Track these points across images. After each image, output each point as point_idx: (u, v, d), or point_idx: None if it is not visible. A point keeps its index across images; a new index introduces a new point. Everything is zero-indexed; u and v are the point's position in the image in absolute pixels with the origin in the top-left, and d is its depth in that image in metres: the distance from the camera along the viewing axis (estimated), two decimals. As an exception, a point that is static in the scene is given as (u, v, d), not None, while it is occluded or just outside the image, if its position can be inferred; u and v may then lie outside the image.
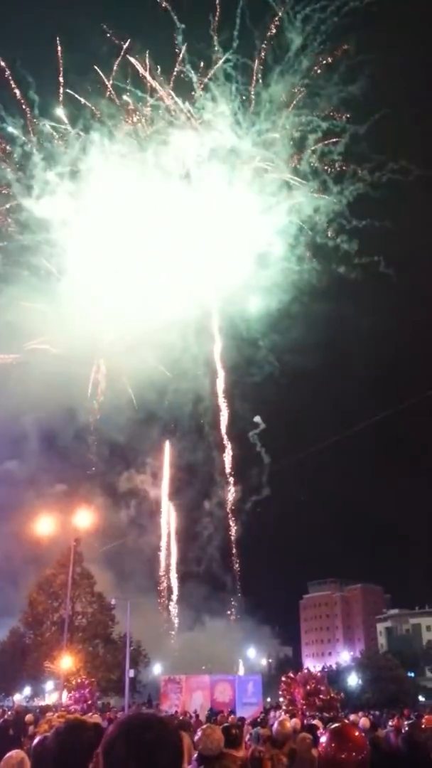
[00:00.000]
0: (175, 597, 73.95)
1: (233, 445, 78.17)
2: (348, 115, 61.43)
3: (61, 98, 60.20)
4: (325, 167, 62.38)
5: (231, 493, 79.44)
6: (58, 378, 63.67)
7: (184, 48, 58.90)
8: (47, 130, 61.04)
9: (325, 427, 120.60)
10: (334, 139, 61.31)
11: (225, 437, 72.08)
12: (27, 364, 63.96)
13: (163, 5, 58.22)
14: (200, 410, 73.11)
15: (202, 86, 60.28)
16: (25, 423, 74.04)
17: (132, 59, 59.34)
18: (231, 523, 74.87)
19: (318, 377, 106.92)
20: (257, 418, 77.94)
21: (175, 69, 59.89)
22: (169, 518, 74.47)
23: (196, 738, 6.62)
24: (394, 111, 76.04)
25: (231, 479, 76.73)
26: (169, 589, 73.36)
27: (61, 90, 59.75)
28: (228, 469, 75.00)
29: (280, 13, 59.55)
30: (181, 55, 59.47)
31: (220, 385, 70.14)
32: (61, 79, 59.48)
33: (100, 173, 61.43)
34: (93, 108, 60.99)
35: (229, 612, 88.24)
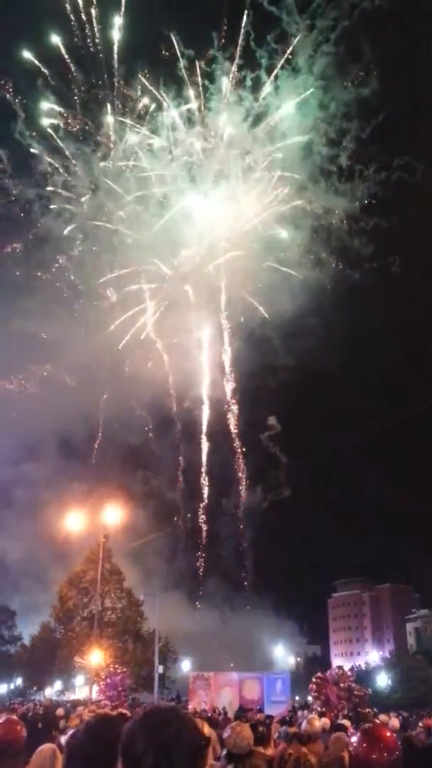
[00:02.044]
0: (202, 594, 74.29)
1: (256, 447, 78.60)
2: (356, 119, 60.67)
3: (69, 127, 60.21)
4: (337, 168, 61.79)
5: (257, 494, 79.78)
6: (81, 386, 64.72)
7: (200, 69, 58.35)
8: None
9: (353, 426, 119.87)
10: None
11: (238, 441, 72.47)
12: (55, 376, 64.91)
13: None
14: (218, 413, 73.46)
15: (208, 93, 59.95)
16: (55, 427, 75.02)
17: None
18: (257, 522, 75.07)
19: (347, 374, 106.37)
20: (272, 419, 78.43)
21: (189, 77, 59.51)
22: (195, 516, 74.69)
23: (225, 735, 6.61)
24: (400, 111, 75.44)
25: (256, 480, 77.15)
26: (198, 586, 73.67)
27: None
28: (253, 469, 75.39)
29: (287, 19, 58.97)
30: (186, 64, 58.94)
31: (229, 387, 70.46)
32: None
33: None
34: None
35: (248, 607, 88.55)
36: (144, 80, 61.46)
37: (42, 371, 66.36)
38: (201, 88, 61.84)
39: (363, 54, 59.82)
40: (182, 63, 60.64)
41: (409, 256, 71.67)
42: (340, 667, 38.74)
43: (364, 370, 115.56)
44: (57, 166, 62.87)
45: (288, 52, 59.55)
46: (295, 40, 59.18)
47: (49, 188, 63.02)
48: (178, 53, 59.98)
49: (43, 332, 63.36)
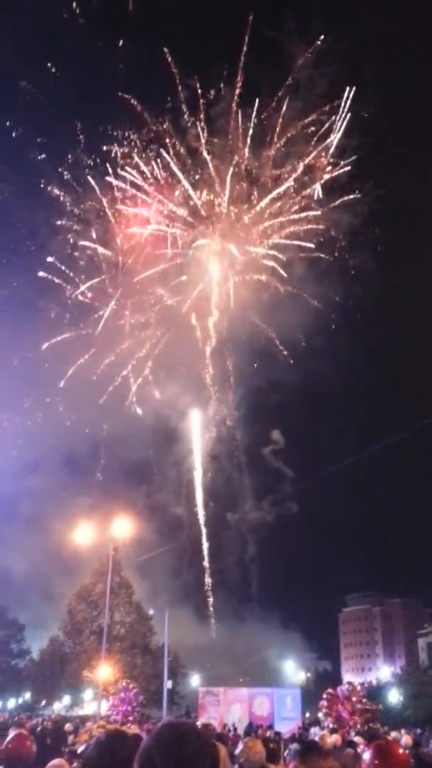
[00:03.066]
0: (211, 610, 73.85)
1: (264, 462, 78.65)
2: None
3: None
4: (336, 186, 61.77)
5: (266, 509, 79.66)
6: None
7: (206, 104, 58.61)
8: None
9: (362, 440, 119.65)
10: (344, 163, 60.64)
11: (244, 456, 72.43)
12: (71, 388, 65.01)
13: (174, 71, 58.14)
14: (226, 429, 73.46)
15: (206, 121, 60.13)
16: (60, 443, 75.26)
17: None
18: (266, 537, 74.73)
19: (349, 391, 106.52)
20: (276, 434, 78.56)
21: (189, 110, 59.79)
22: (204, 530, 74.41)
23: (236, 751, 6.56)
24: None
25: (264, 494, 77.06)
26: (206, 601, 73.27)
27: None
28: (262, 484, 75.27)
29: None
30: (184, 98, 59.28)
31: (234, 402, 70.57)
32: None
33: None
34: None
35: (258, 622, 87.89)
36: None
37: (45, 397, 66.45)
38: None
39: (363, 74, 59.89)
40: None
41: (412, 271, 71.94)
42: (350, 683, 38.30)
43: (371, 386, 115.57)
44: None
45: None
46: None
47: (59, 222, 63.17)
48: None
49: (45, 357, 63.53)
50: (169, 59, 56.53)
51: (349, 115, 58.09)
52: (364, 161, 60.09)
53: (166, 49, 56.65)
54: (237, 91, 57.61)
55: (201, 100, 57.74)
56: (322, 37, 57.09)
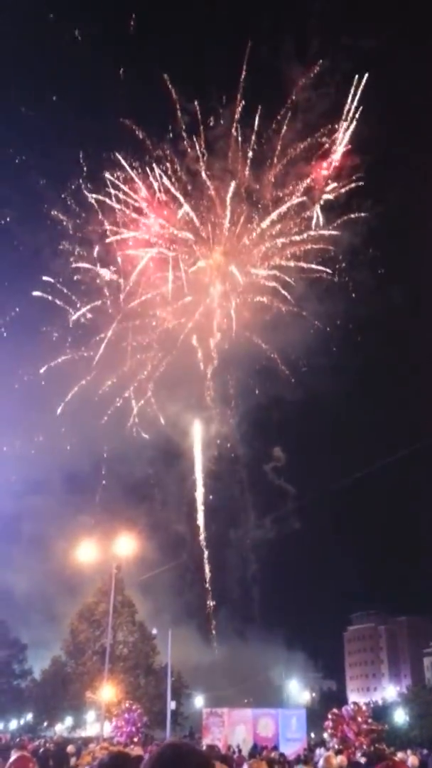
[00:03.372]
0: (215, 629, 73.30)
1: (267, 479, 78.56)
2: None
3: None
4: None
5: (269, 527, 79.38)
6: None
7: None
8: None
9: (363, 459, 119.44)
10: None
11: (246, 474, 72.26)
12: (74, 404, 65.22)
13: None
14: (228, 447, 73.59)
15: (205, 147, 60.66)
16: (60, 463, 75.31)
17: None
18: (270, 555, 74.39)
19: (352, 409, 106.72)
20: (278, 451, 78.58)
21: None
22: (206, 549, 74.03)
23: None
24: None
25: (266, 512, 76.83)
26: (209, 621, 72.74)
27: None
28: (264, 502, 75.15)
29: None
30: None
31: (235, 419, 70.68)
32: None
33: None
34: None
35: (261, 641, 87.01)
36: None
37: (46, 418, 66.61)
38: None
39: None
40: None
41: (412, 289, 72.23)
42: (356, 703, 37.86)
43: (373, 403, 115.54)
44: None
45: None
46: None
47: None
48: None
49: (47, 378, 63.81)
50: (169, 84, 57.45)
51: (348, 134, 58.84)
52: (363, 180, 60.67)
53: (166, 76, 57.61)
54: (237, 115, 58.43)
55: (200, 125, 58.57)
56: (320, 61, 58.08)
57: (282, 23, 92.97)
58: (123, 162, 58.54)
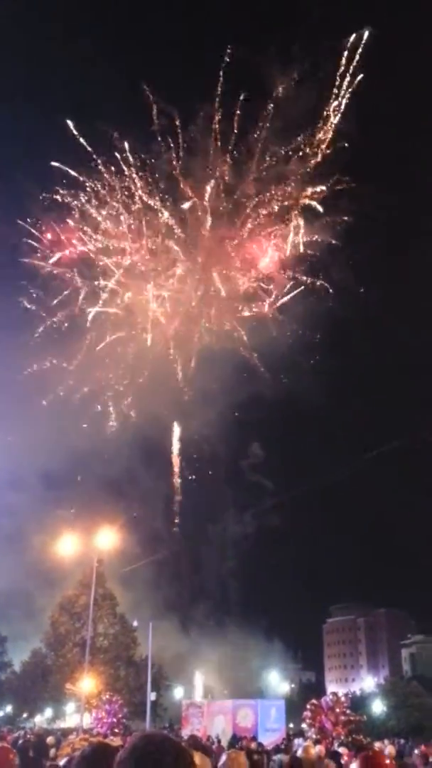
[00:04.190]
0: (194, 621, 73.63)
1: (245, 475, 79.01)
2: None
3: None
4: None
5: (249, 521, 79.86)
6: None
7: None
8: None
9: (346, 452, 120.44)
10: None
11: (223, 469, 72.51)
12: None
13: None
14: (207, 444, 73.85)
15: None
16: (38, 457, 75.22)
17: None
18: (250, 548, 74.80)
19: (332, 405, 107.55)
20: (257, 448, 79.17)
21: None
22: (186, 543, 74.31)
23: (220, 763, 6.57)
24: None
25: (246, 507, 77.25)
26: (189, 613, 73.06)
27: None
28: (244, 496, 75.56)
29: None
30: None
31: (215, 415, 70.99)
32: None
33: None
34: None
35: (241, 633, 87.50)
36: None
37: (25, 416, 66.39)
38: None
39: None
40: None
41: (393, 288, 72.71)
42: (334, 694, 38.25)
43: (353, 398, 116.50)
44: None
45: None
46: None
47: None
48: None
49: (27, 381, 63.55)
50: (148, 93, 57.21)
51: (329, 137, 58.89)
52: (344, 182, 60.80)
53: (145, 87, 57.36)
54: (216, 125, 58.21)
55: (179, 134, 58.31)
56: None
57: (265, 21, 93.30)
58: (102, 167, 58.44)
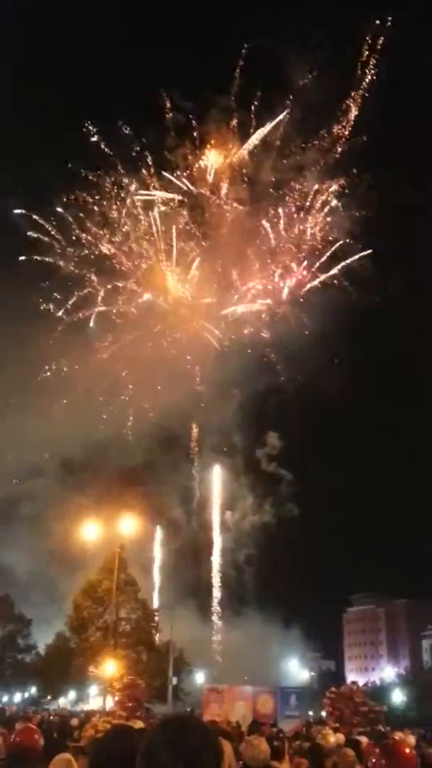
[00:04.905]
0: (217, 608, 74.06)
1: (266, 463, 79.19)
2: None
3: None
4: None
5: (269, 510, 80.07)
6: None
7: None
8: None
9: (365, 441, 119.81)
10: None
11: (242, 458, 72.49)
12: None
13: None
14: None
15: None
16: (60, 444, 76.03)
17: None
18: (271, 537, 75.06)
19: (356, 393, 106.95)
20: (274, 438, 79.30)
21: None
22: (207, 531, 74.69)
23: (242, 748, 6.64)
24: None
25: (266, 496, 77.47)
26: (210, 600, 73.52)
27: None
28: (264, 486, 75.79)
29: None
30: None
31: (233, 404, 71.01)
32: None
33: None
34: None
35: (262, 621, 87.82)
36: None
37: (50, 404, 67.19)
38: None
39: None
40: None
41: (412, 276, 71.60)
42: (354, 683, 38.34)
43: (373, 390, 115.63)
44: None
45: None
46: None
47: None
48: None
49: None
50: (165, 95, 57.02)
51: (349, 128, 58.09)
52: (364, 173, 60.14)
53: (163, 89, 57.12)
54: (233, 120, 57.65)
55: (195, 129, 58.00)
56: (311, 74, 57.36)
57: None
58: (120, 167, 58.78)
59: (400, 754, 3.43)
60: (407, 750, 3.53)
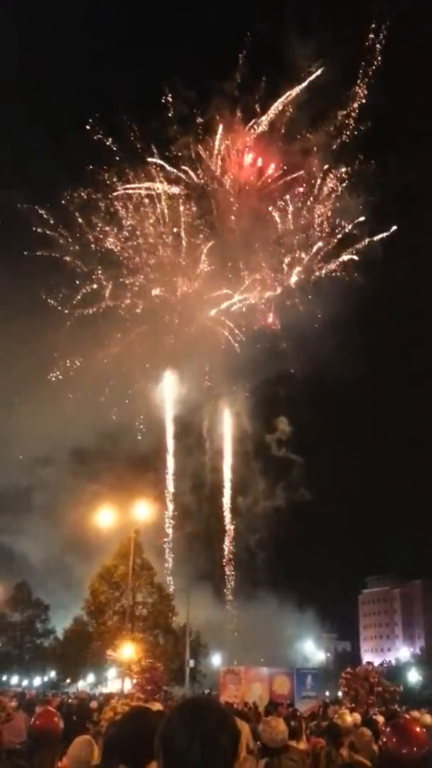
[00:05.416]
0: (232, 590, 74.52)
1: (279, 447, 79.46)
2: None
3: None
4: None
5: (282, 494, 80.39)
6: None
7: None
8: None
9: (381, 423, 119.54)
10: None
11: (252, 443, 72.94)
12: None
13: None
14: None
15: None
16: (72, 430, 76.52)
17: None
18: (288, 520, 75.35)
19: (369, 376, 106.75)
20: (284, 423, 79.52)
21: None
22: (221, 513, 75.00)
23: (260, 729, 6.74)
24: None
25: (280, 478, 77.74)
26: (226, 583, 73.95)
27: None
28: (278, 469, 76.04)
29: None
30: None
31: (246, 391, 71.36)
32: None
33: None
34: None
35: (278, 602, 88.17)
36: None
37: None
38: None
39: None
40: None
41: (420, 261, 71.20)
42: (370, 663, 38.57)
43: (384, 374, 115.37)
44: None
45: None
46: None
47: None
48: None
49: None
50: (166, 86, 56.47)
51: (354, 114, 57.39)
52: (369, 158, 59.52)
53: (165, 79, 56.62)
54: (238, 108, 57.06)
55: (198, 118, 57.47)
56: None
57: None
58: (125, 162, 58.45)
59: (410, 732, 3.47)
60: (418, 729, 3.57)
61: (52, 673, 68.49)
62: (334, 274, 63.71)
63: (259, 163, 61.35)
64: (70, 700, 30.59)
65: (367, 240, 62.06)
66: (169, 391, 69.62)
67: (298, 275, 63.91)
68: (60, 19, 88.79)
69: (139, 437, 72.87)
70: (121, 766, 3.79)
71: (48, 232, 61.02)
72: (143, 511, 40.69)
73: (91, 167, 60.31)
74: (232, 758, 2.09)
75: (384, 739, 3.65)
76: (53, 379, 64.68)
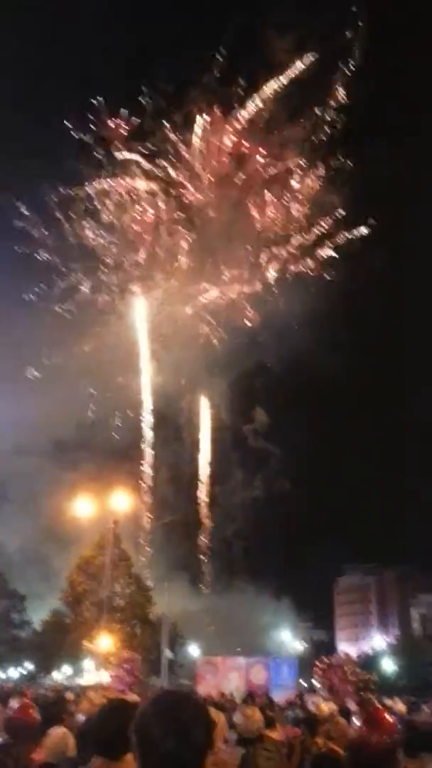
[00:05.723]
0: (209, 580, 74.76)
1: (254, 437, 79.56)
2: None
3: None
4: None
5: (260, 483, 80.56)
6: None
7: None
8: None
9: (354, 412, 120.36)
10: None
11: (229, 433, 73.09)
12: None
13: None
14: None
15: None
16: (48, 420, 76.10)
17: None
18: (262, 509, 75.42)
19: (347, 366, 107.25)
20: (261, 413, 79.78)
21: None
22: (196, 504, 75.01)
23: (235, 719, 6.80)
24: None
25: (257, 469, 77.87)
26: (202, 573, 74.14)
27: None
28: (254, 459, 76.07)
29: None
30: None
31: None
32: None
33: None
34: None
35: (253, 592, 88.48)
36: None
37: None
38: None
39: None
40: None
41: (397, 255, 71.43)
42: (346, 653, 38.98)
43: (361, 363, 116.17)
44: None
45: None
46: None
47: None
48: None
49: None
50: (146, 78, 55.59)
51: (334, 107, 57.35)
52: (347, 153, 59.56)
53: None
54: (214, 102, 56.72)
55: (173, 112, 56.98)
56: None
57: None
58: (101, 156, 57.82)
59: (380, 720, 3.57)
60: (387, 717, 3.66)
61: (28, 665, 68.27)
62: (310, 270, 63.75)
63: (238, 157, 61.04)
64: (47, 692, 30.56)
65: (344, 235, 62.05)
66: (146, 384, 69.42)
67: (275, 270, 63.88)
68: (33, 12, 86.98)
69: (118, 424, 72.38)
70: (97, 757, 3.82)
71: (26, 226, 60.35)
72: (122, 501, 40.62)
73: (69, 162, 59.52)
74: (206, 749, 2.13)
75: (356, 727, 3.74)
76: (30, 377, 64.23)
